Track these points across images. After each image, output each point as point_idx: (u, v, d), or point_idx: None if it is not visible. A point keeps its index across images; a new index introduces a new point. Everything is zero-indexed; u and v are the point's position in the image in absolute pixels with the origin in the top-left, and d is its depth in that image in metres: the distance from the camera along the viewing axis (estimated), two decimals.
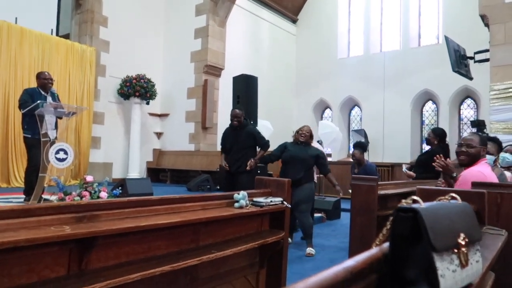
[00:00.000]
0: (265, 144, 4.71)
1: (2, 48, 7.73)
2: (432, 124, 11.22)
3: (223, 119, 9.90)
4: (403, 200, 0.73)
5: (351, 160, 5.26)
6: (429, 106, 11.47)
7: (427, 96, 11.30)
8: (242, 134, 4.66)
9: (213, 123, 10.53)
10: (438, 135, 4.64)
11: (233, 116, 4.64)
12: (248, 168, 4.41)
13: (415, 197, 0.72)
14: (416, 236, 0.67)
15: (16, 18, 8.29)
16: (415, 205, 0.70)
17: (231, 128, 4.75)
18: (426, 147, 4.96)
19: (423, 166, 4.65)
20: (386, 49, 12.06)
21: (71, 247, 1.21)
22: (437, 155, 2.95)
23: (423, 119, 11.57)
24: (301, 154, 4.26)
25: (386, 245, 0.71)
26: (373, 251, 0.69)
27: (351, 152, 10.64)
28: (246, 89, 6.77)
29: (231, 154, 4.64)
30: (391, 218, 0.72)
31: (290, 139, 5.77)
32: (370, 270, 0.65)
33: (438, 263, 0.64)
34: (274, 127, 9.43)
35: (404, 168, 5.01)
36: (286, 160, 4.36)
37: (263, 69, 11.64)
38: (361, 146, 5.26)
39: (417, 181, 4.23)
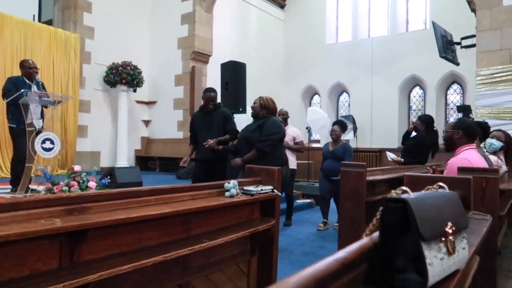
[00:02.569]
0: (232, 130, 4.11)
1: None
2: (420, 110, 11.33)
3: None
4: (393, 191, 0.74)
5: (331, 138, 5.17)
6: (416, 91, 11.56)
7: (415, 82, 11.38)
8: (215, 117, 4.14)
9: None
10: (425, 121, 4.71)
11: (209, 100, 4.15)
12: (206, 146, 3.84)
13: (404, 188, 0.73)
14: (405, 226, 0.68)
15: None
16: (404, 196, 0.71)
17: (201, 112, 4.30)
18: (414, 133, 5.02)
19: (411, 152, 4.73)
20: (374, 34, 12.05)
21: (62, 240, 1.21)
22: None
23: (411, 104, 11.66)
24: (245, 132, 3.57)
25: (376, 234, 0.73)
26: (364, 241, 0.70)
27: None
28: (234, 75, 6.73)
29: (202, 141, 4.04)
30: (381, 208, 0.73)
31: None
32: (361, 260, 0.66)
33: (426, 252, 0.66)
34: None
35: (389, 157, 5.08)
36: (237, 144, 3.70)
37: (251, 55, 11.55)
38: (341, 124, 5.21)
39: (405, 166, 4.29)
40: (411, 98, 11.67)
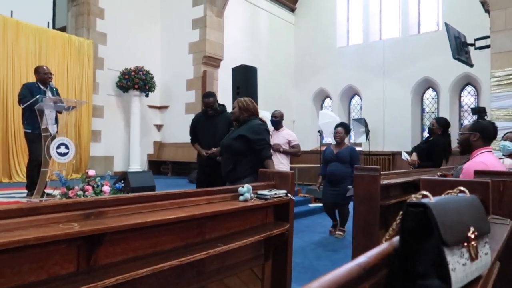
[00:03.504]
0: None
1: None
2: (433, 112, 11.19)
3: None
4: (413, 195, 0.73)
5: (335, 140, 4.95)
6: (430, 93, 11.43)
7: (427, 84, 11.25)
8: (219, 122, 4.00)
9: None
10: (442, 125, 4.64)
11: (207, 106, 4.03)
12: (209, 153, 3.74)
13: (424, 192, 0.72)
14: (426, 231, 0.67)
15: (11, 12, 8.21)
16: (424, 200, 0.70)
17: (204, 115, 4.16)
18: (427, 136, 4.94)
19: (424, 154, 4.67)
20: (386, 36, 11.96)
21: (80, 244, 1.22)
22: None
23: (424, 107, 11.53)
24: (226, 140, 3.26)
25: (396, 239, 0.72)
26: (384, 246, 0.69)
27: (352, 140, 10.64)
28: (245, 79, 6.75)
29: (205, 146, 3.91)
30: (400, 213, 0.72)
31: (289, 129, 5.55)
32: (382, 265, 0.65)
33: (448, 257, 0.65)
34: None
35: (404, 156, 5.01)
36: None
37: (262, 59, 11.57)
38: (345, 126, 5.08)
39: (418, 170, 4.24)
40: (424, 100, 11.53)
